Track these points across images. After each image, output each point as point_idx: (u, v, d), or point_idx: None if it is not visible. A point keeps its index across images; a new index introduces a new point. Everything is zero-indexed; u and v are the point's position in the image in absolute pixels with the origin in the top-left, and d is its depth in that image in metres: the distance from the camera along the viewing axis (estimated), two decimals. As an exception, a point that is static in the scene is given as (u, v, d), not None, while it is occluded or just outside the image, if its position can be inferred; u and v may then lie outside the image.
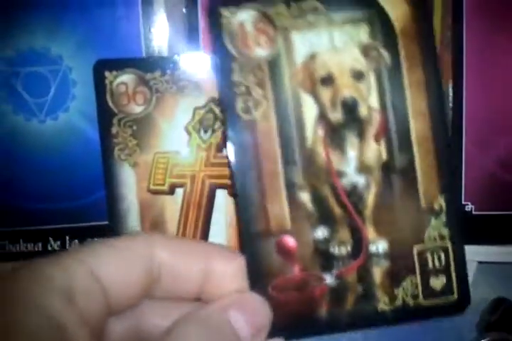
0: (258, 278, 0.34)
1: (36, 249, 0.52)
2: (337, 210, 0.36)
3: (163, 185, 0.48)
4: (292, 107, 0.35)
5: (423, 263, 0.36)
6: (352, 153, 0.36)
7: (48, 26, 0.50)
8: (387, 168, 0.37)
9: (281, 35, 0.35)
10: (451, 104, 0.51)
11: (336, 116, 0.36)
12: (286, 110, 0.35)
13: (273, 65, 0.35)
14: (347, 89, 0.36)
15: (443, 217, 0.36)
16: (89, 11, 0.50)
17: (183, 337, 0.28)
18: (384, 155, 0.37)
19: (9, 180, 0.52)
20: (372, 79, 0.36)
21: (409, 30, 0.36)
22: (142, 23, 0.50)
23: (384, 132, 0.36)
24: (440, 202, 0.36)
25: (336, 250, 0.36)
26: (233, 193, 0.35)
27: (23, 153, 0.51)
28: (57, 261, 0.27)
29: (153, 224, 0.48)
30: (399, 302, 0.36)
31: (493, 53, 0.52)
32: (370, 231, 0.36)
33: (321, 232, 0.36)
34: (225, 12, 0.34)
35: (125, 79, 0.46)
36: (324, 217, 0.36)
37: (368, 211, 0.36)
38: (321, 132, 0.36)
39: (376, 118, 0.36)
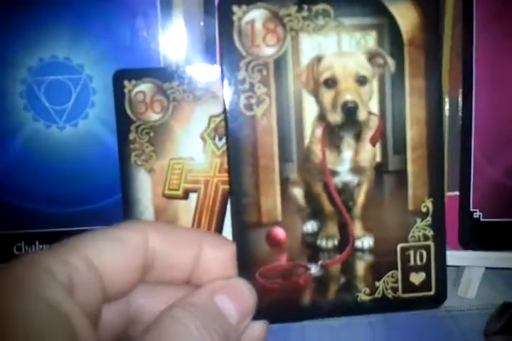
0: (246, 265, 0.36)
1: (52, 251, 0.53)
2: (327, 206, 0.38)
3: (178, 190, 0.49)
4: (293, 106, 0.37)
5: (405, 259, 0.38)
6: (347, 153, 0.38)
7: (70, 37, 0.52)
8: (379, 169, 0.38)
9: (290, 35, 0.36)
10: (460, 113, 0.52)
11: (336, 117, 0.37)
12: (288, 108, 0.37)
13: (279, 64, 0.36)
14: (349, 93, 0.37)
15: (429, 219, 0.38)
16: (110, 23, 0.52)
17: (175, 321, 0.29)
18: (378, 158, 0.38)
19: (28, 184, 0.53)
20: (374, 84, 0.38)
21: (417, 40, 0.37)
22: (161, 35, 0.52)
23: (380, 136, 0.38)
24: (427, 205, 0.38)
25: (323, 243, 0.38)
26: (229, 184, 0.36)
27: (43, 158, 0.53)
28: (56, 253, 0.28)
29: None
30: (379, 294, 0.38)
31: (503, 63, 0.52)
32: (357, 228, 0.38)
33: (310, 226, 0.38)
34: (236, 10, 0.35)
35: (143, 88, 0.48)
36: (315, 212, 0.38)
37: (357, 209, 0.38)
38: (319, 132, 0.37)
39: (374, 122, 0.37)
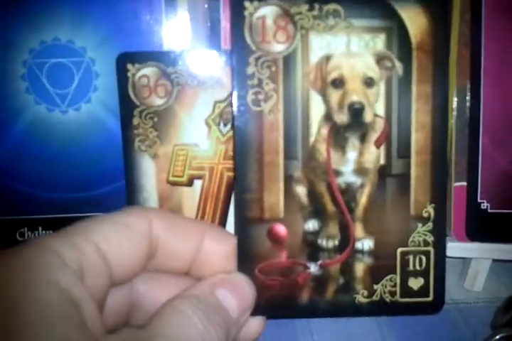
0: (247, 260, 0.36)
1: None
2: (330, 206, 0.38)
3: (182, 176, 0.49)
4: (300, 104, 0.37)
5: (404, 264, 0.38)
6: (352, 154, 0.38)
7: (73, 19, 0.51)
8: (383, 172, 0.38)
9: (300, 33, 0.36)
10: (468, 103, 0.52)
11: (342, 118, 0.38)
12: (295, 106, 0.37)
13: (288, 61, 0.37)
14: (356, 94, 0.38)
15: (430, 225, 0.38)
16: (113, 5, 0.51)
17: (178, 312, 0.29)
18: (382, 160, 0.38)
19: (31, 169, 0.52)
20: (381, 87, 0.38)
21: (425, 45, 0.37)
22: (165, 18, 0.51)
23: (385, 139, 0.38)
24: (429, 210, 0.38)
25: (323, 243, 0.38)
26: (233, 178, 0.36)
27: (45, 142, 0.52)
28: (65, 238, 0.28)
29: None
30: (376, 297, 0.38)
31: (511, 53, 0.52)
32: (358, 229, 0.38)
33: (311, 225, 0.38)
34: (248, 5, 0.36)
35: (147, 72, 0.47)
36: (317, 211, 0.38)
37: (359, 210, 0.38)
38: (324, 131, 0.38)
39: (380, 124, 0.38)
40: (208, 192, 0.49)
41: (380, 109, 0.38)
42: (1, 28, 0.51)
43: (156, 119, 0.48)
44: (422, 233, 0.38)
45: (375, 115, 0.38)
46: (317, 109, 0.37)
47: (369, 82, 0.38)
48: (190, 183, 0.49)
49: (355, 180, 0.38)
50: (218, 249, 0.35)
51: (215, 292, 0.32)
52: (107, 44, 0.51)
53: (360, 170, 0.38)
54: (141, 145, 0.48)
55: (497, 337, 0.48)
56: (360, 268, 0.38)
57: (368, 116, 0.38)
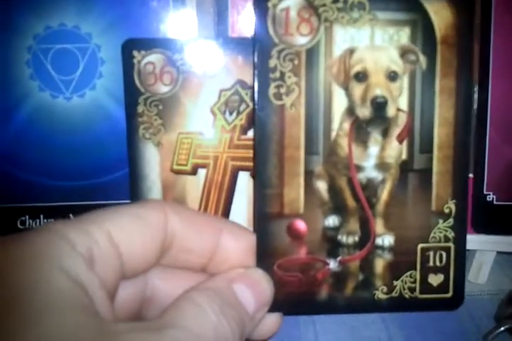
0: (266, 255, 0.35)
1: (57, 225, 0.52)
2: (350, 202, 0.38)
3: (186, 165, 0.48)
4: (323, 98, 0.37)
5: (424, 260, 0.38)
6: (373, 149, 0.38)
7: (79, 4, 0.50)
8: (405, 167, 0.38)
9: (324, 26, 0.36)
10: (476, 94, 0.51)
11: (364, 112, 0.37)
12: (317, 100, 0.36)
13: (311, 54, 0.36)
14: (379, 88, 0.37)
15: (451, 221, 0.38)
16: None
17: (193, 304, 0.29)
18: (404, 155, 0.38)
19: (33, 156, 0.51)
20: (405, 81, 0.37)
21: (450, 39, 0.37)
22: (172, 5, 0.50)
23: (408, 133, 0.37)
24: (450, 206, 0.37)
25: (343, 239, 0.37)
26: (253, 173, 0.36)
27: (49, 130, 0.51)
28: (77, 225, 0.28)
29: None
30: (396, 293, 0.38)
31: None
32: (378, 225, 0.38)
33: (331, 220, 0.37)
34: None
35: (153, 58, 0.46)
36: (337, 206, 0.38)
37: (380, 206, 0.38)
38: (347, 126, 0.37)
39: (403, 119, 0.37)
40: (212, 181, 0.48)
41: (403, 103, 0.37)
42: (5, 13, 0.50)
43: (160, 107, 0.47)
44: (442, 229, 0.38)
45: (398, 109, 0.37)
46: (339, 103, 0.37)
47: (392, 76, 0.37)
48: (194, 172, 0.48)
49: (377, 175, 0.38)
50: (236, 245, 0.34)
51: (232, 286, 0.32)
52: (113, 30, 0.50)
53: (382, 165, 0.38)
54: (145, 133, 0.47)
55: (501, 328, 0.48)
56: (380, 265, 0.38)
57: (390, 111, 0.37)
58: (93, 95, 0.51)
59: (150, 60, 0.46)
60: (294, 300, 0.36)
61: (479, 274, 0.57)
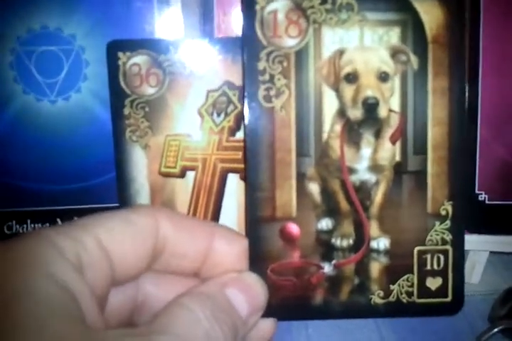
0: (259, 260, 0.35)
1: (44, 230, 0.52)
2: (344, 204, 0.37)
3: (175, 167, 0.47)
4: (313, 100, 0.36)
5: (422, 263, 0.37)
6: (366, 151, 0.37)
7: (62, 5, 0.50)
8: (399, 169, 0.37)
9: (312, 27, 0.36)
10: (467, 93, 0.50)
11: (356, 113, 0.37)
12: (307, 102, 0.36)
13: (300, 56, 0.36)
14: (370, 89, 0.37)
15: (448, 223, 0.37)
16: None
17: (184, 309, 0.29)
18: (397, 157, 0.37)
19: (17, 160, 0.51)
20: (396, 81, 0.37)
21: (441, 38, 0.36)
22: (157, 4, 0.50)
23: (401, 134, 0.37)
24: (447, 208, 0.37)
25: (337, 242, 0.37)
26: (244, 177, 0.36)
27: (33, 132, 0.51)
28: (66, 231, 0.28)
29: (164, 207, 0.47)
30: (393, 297, 0.37)
31: (510, 41, 0.51)
32: (373, 228, 0.37)
33: (325, 223, 0.37)
34: None
35: (138, 60, 0.46)
36: (330, 209, 0.37)
37: (374, 208, 0.37)
38: (338, 127, 0.37)
39: (395, 120, 0.37)
40: (201, 183, 0.48)
41: (395, 104, 0.37)
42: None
43: (147, 109, 0.47)
44: (439, 231, 0.37)
45: (390, 110, 0.37)
46: (330, 105, 0.37)
47: (383, 77, 0.37)
48: (182, 175, 0.48)
49: (370, 177, 0.37)
50: (229, 249, 0.34)
51: (225, 291, 0.31)
52: (97, 32, 0.50)
53: (375, 167, 0.37)
54: (132, 136, 0.47)
55: (495, 330, 0.48)
56: (375, 268, 0.37)
57: (382, 112, 0.37)
58: (78, 98, 0.51)
59: (135, 61, 0.46)
60: (288, 305, 0.36)
61: (472, 274, 0.57)
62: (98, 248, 0.28)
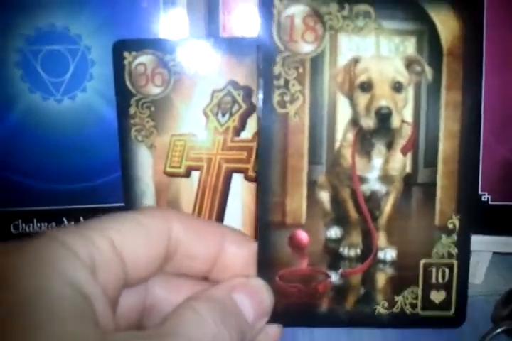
0: (267, 266, 0.35)
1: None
2: (353, 214, 0.37)
3: (180, 167, 0.47)
4: (327, 107, 0.36)
5: (427, 276, 0.37)
6: (377, 161, 0.37)
7: (69, 5, 0.50)
8: (408, 180, 0.37)
9: (329, 34, 0.36)
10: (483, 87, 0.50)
11: (369, 122, 0.37)
12: (321, 109, 0.36)
13: (316, 62, 0.36)
14: (384, 99, 0.37)
15: (454, 237, 0.37)
16: None
17: (193, 312, 0.29)
18: (408, 168, 0.37)
19: (24, 159, 0.51)
20: (410, 92, 0.37)
21: (457, 50, 0.36)
22: (162, 5, 0.50)
23: (412, 146, 0.37)
24: (454, 221, 0.37)
25: (345, 251, 0.37)
26: (256, 182, 0.36)
27: (39, 131, 0.51)
28: (79, 232, 0.28)
29: (169, 207, 0.48)
30: (397, 309, 0.37)
31: None
32: (381, 239, 0.37)
33: (334, 232, 0.37)
34: (277, 3, 0.35)
35: (144, 60, 0.46)
36: (339, 218, 0.37)
37: (383, 219, 0.37)
38: (350, 136, 0.37)
39: (407, 131, 0.37)
40: (206, 183, 0.48)
41: (408, 114, 0.37)
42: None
43: (152, 109, 0.47)
44: (446, 245, 0.37)
45: (403, 121, 0.37)
46: (344, 113, 0.36)
47: (398, 87, 0.37)
48: (187, 174, 0.48)
49: (380, 187, 0.37)
50: (239, 253, 0.34)
51: (233, 295, 0.31)
52: (103, 31, 0.50)
53: (386, 178, 0.37)
54: (137, 136, 0.47)
55: (498, 330, 0.48)
56: (381, 279, 0.37)
57: (395, 122, 0.37)
58: (84, 97, 0.51)
59: (141, 61, 0.46)
60: (294, 311, 0.36)
61: (475, 275, 0.57)
62: (111, 249, 0.28)
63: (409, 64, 0.36)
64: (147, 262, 0.30)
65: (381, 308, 0.37)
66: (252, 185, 0.47)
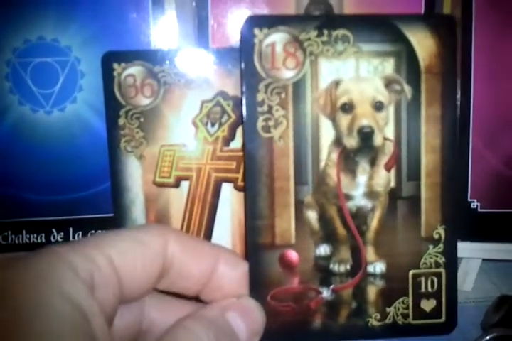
0: (259, 286, 0.35)
1: (39, 240, 0.52)
2: (341, 230, 0.38)
3: (169, 177, 0.48)
4: (310, 129, 0.37)
5: (416, 286, 0.38)
6: (362, 178, 0.38)
7: (58, 17, 0.50)
8: (393, 195, 0.38)
9: (309, 59, 0.36)
10: (459, 102, 0.51)
11: (351, 142, 0.38)
12: (304, 132, 0.37)
13: (297, 87, 0.37)
14: (365, 118, 0.38)
15: (441, 246, 0.38)
16: (99, 3, 0.50)
17: (188, 332, 0.29)
18: (392, 183, 0.38)
19: (14, 170, 0.52)
20: (391, 110, 0.38)
21: (434, 67, 0.37)
22: (152, 16, 0.51)
23: (395, 162, 0.38)
24: (440, 231, 0.38)
25: (335, 267, 0.38)
26: (244, 204, 0.36)
27: (29, 143, 0.52)
28: (79, 249, 0.28)
29: (158, 217, 0.48)
30: (389, 320, 0.38)
31: (502, 50, 0.52)
32: (370, 253, 0.38)
33: (323, 249, 0.38)
34: (257, 32, 0.36)
35: (133, 71, 0.46)
36: (328, 235, 0.38)
37: (370, 234, 0.38)
38: (334, 156, 0.38)
39: (390, 148, 0.38)
40: (196, 193, 0.48)
41: (390, 132, 0.38)
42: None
43: (142, 119, 0.47)
44: (433, 254, 0.38)
45: (385, 138, 0.38)
46: (327, 134, 0.37)
47: (378, 106, 0.38)
48: (177, 184, 0.48)
49: (366, 203, 0.38)
50: (232, 273, 0.35)
51: (226, 314, 0.32)
52: (92, 43, 0.51)
53: (371, 194, 0.38)
54: (127, 146, 0.47)
55: (488, 337, 0.48)
56: (372, 292, 0.38)
57: (377, 140, 0.38)
58: (74, 108, 0.51)
59: (130, 72, 0.46)
60: (288, 329, 0.37)
61: (465, 281, 0.58)
62: (110, 267, 0.28)
63: (389, 83, 0.37)
64: (143, 279, 0.31)
65: (374, 320, 0.38)
66: (242, 195, 0.47)
